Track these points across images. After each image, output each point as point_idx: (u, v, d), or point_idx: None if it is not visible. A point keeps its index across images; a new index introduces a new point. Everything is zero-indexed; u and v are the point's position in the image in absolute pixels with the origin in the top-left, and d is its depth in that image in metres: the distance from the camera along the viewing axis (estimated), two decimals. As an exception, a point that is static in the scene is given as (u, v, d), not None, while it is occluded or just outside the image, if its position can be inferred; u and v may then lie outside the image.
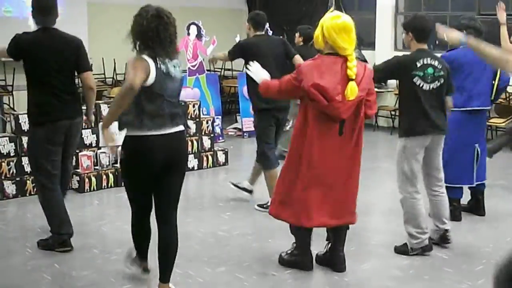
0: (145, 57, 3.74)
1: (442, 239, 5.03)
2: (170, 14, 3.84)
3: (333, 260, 4.58)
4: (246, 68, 5.35)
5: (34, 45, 4.79)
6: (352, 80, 4.24)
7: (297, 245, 4.62)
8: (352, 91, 4.23)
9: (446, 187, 5.71)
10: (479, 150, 5.76)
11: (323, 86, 4.17)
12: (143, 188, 3.96)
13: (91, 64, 5.53)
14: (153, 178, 3.88)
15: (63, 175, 5.07)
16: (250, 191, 6.45)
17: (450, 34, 4.34)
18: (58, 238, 4.92)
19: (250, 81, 5.81)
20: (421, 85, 4.74)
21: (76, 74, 4.97)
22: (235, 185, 6.53)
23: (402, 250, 4.91)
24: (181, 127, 3.94)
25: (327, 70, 4.23)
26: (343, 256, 4.58)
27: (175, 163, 3.93)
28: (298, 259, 4.60)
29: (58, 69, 4.80)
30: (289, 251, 4.68)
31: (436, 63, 4.79)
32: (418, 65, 4.72)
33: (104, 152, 6.86)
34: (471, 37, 4.20)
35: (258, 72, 4.72)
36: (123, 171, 4.04)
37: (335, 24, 4.24)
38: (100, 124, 5.62)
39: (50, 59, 4.78)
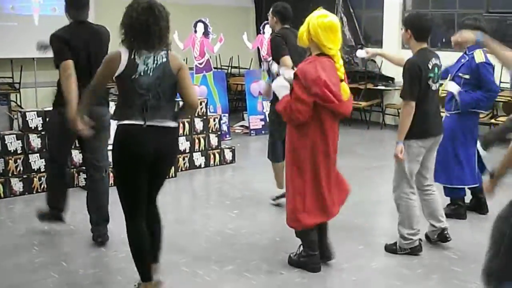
0: (121, 48, 3.70)
1: (441, 238, 4.98)
2: (163, 7, 3.74)
3: (322, 251, 4.58)
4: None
5: (72, 39, 4.77)
6: (342, 80, 4.28)
7: (304, 247, 4.59)
8: (345, 91, 4.30)
9: (449, 188, 5.68)
10: (479, 149, 5.72)
11: (334, 84, 4.17)
12: (130, 179, 3.80)
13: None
14: (135, 168, 3.76)
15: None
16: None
17: (464, 34, 4.63)
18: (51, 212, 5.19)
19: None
20: (431, 86, 4.67)
21: None
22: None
23: (391, 248, 4.89)
24: (157, 122, 3.72)
25: (329, 70, 4.21)
26: (330, 244, 4.61)
27: (158, 156, 3.79)
28: (306, 261, 4.57)
29: (90, 60, 4.77)
30: (297, 253, 4.65)
31: (438, 62, 4.74)
32: (430, 66, 4.64)
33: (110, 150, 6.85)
34: (487, 36, 4.16)
35: (281, 86, 4.42)
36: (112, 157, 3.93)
37: (321, 22, 4.21)
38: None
39: (84, 51, 4.76)
